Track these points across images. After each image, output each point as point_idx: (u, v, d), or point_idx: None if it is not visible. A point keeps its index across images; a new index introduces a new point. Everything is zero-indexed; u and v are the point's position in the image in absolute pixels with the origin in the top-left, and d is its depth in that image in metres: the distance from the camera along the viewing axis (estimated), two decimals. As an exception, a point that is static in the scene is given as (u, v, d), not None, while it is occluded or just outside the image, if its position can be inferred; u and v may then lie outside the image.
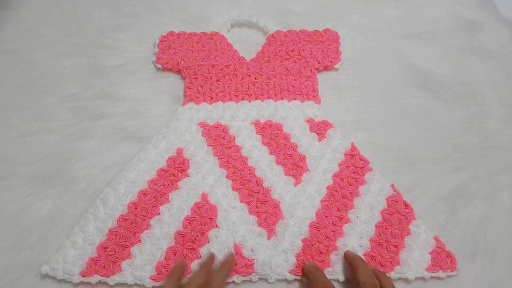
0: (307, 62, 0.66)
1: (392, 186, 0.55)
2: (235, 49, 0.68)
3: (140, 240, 0.51)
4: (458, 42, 0.70)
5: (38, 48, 0.68)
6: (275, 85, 0.64)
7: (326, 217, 0.53)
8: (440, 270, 0.49)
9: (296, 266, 0.50)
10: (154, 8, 0.73)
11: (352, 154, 0.57)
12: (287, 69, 0.65)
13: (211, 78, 0.64)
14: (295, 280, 0.50)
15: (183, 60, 0.66)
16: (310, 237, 0.51)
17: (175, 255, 0.50)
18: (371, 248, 0.51)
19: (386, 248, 0.51)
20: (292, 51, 0.67)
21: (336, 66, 0.66)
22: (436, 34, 0.71)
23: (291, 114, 0.61)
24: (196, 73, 0.65)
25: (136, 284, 0.49)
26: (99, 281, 0.49)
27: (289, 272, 0.49)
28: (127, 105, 0.63)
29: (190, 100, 0.63)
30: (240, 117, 0.61)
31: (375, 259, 0.50)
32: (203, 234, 0.51)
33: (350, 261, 0.49)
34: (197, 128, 0.60)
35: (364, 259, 0.49)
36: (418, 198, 0.55)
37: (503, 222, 0.53)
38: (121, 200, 0.53)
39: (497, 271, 0.50)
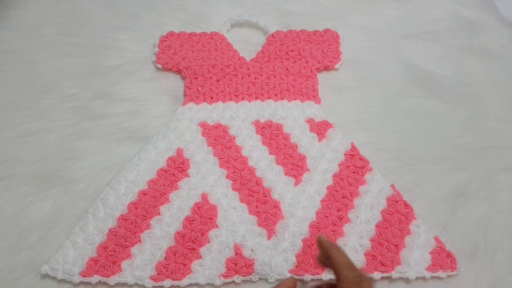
0: (307, 62, 0.66)
1: (392, 186, 0.55)
2: (235, 49, 0.68)
3: (140, 240, 0.51)
4: (458, 42, 0.70)
5: (38, 48, 0.68)
6: (275, 85, 0.64)
7: (326, 217, 0.53)
8: (440, 270, 0.49)
9: (296, 266, 0.50)
10: (154, 8, 0.73)
11: (352, 154, 0.57)
12: (287, 69, 0.65)
13: (211, 78, 0.64)
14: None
15: (183, 60, 0.66)
16: (310, 237, 0.51)
17: (175, 255, 0.50)
18: (372, 247, 0.51)
19: (387, 248, 0.50)
20: (292, 51, 0.67)
21: (336, 66, 0.66)
22: (436, 34, 0.71)
23: (291, 114, 0.61)
24: (196, 73, 0.65)
25: (136, 284, 0.49)
26: (99, 281, 0.49)
27: (289, 272, 0.49)
28: (127, 105, 0.63)
29: (190, 100, 0.62)
30: (240, 117, 0.61)
31: (375, 259, 0.50)
32: (203, 234, 0.51)
33: (324, 248, 0.38)
34: (197, 128, 0.60)
35: (364, 259, 0.49)
36: (418, 198, 0.55)
37: (503, 222, 0.53)
38: (121, 200, 0.53)
39: (497, 271, 0.50)
